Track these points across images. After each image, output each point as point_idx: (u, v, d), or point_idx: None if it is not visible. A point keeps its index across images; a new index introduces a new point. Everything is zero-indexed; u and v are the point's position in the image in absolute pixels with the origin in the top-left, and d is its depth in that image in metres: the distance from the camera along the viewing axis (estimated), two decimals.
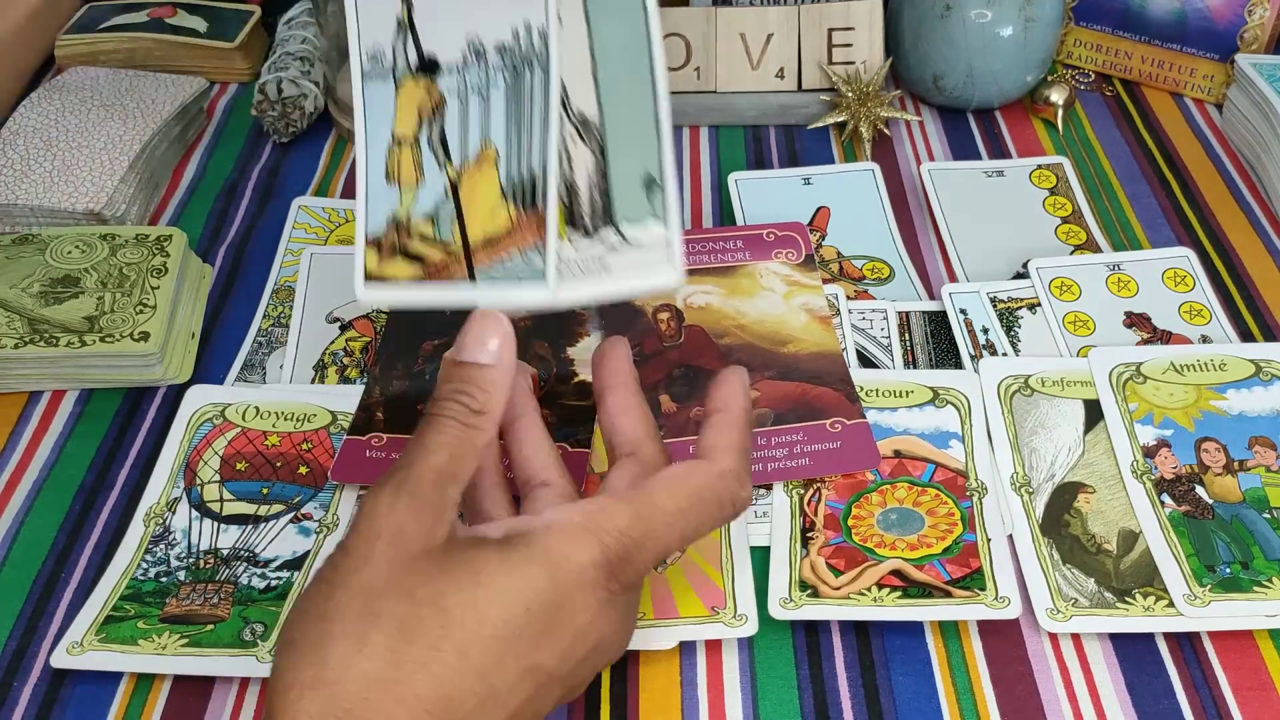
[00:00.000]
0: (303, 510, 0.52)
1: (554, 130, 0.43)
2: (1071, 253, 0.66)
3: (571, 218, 0.44)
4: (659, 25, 0.43)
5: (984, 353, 0.59)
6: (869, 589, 0.48)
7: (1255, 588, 0.48)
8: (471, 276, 0.43)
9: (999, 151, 0.75)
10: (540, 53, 0.43)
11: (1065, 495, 0.52)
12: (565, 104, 0.44)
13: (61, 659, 0.46)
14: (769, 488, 0.53)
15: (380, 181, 0.45)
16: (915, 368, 0.59)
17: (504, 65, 0.44)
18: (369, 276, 0.45)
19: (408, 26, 0.45)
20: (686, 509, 0.39)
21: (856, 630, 0.48)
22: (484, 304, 0.43)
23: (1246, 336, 0.61)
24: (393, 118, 0.45)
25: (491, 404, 0.40)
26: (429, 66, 0.45)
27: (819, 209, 0.69)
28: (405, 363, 0.58)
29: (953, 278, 0.65)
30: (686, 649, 0.47)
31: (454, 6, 0.44)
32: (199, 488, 0.53)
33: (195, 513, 0.52)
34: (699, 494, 0.40)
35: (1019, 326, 0.60)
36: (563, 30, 0.44)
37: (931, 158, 0.75)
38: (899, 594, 0.48)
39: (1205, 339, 0.59)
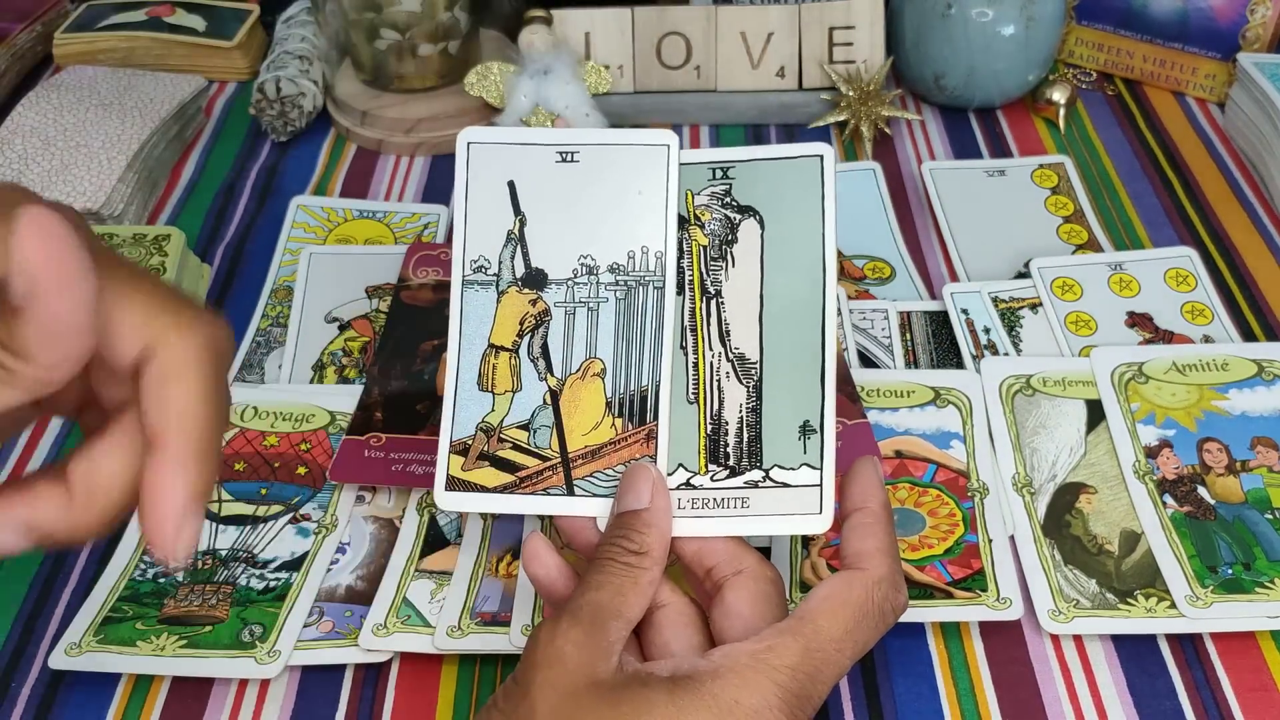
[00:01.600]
0: (301, 511, 0.52)
1: (668, 349, 0.44)
2: (1073, 252, 0.65)
3: (715, 453, 0.43)
4: (835, 286, 0.44)
5: (985, 353, 0.59)
6: None
7: (1257, 589, 0.48)
8: (570, 488, 0.44)
9: (1000, 151, 0.75)
10: (657, 275, 0.45)
11: (1067, 496, 0.52)
12: (725, 340, 0.44)
13: (59, 660, 0.46)
14: None
15: (471, 388, 0.45)
16: (916, 368, 0.59)
17: (616, 283, 0.45)
18: (451, 481, 0.44)
19: (519, 240, 0.45)
20: (852, 628, 0.38)
21: None
22: (581, 514, 0.43)
23: (1249, 336, 0.61)
24: (491, 326, 0.45)
25: (649, 544, 0.40)
26: (537, 280, 0.45)
27: None
28: (404, 363, 0.58)
29: (954, 277, 0.65)
30: None
31: (570, 226, 0.45)
32: None
33: None
34: (862, 610, 0.38)
35: (1020, 326, 0.60)
36: (731, 269, 0.45)
37: (933, 157, 0.74)
38: None
39: (1207, 339, 0.59)
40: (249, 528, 0.51)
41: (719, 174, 0.45)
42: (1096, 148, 0.75)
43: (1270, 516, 0.50)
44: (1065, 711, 0.45)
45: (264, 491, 0.53)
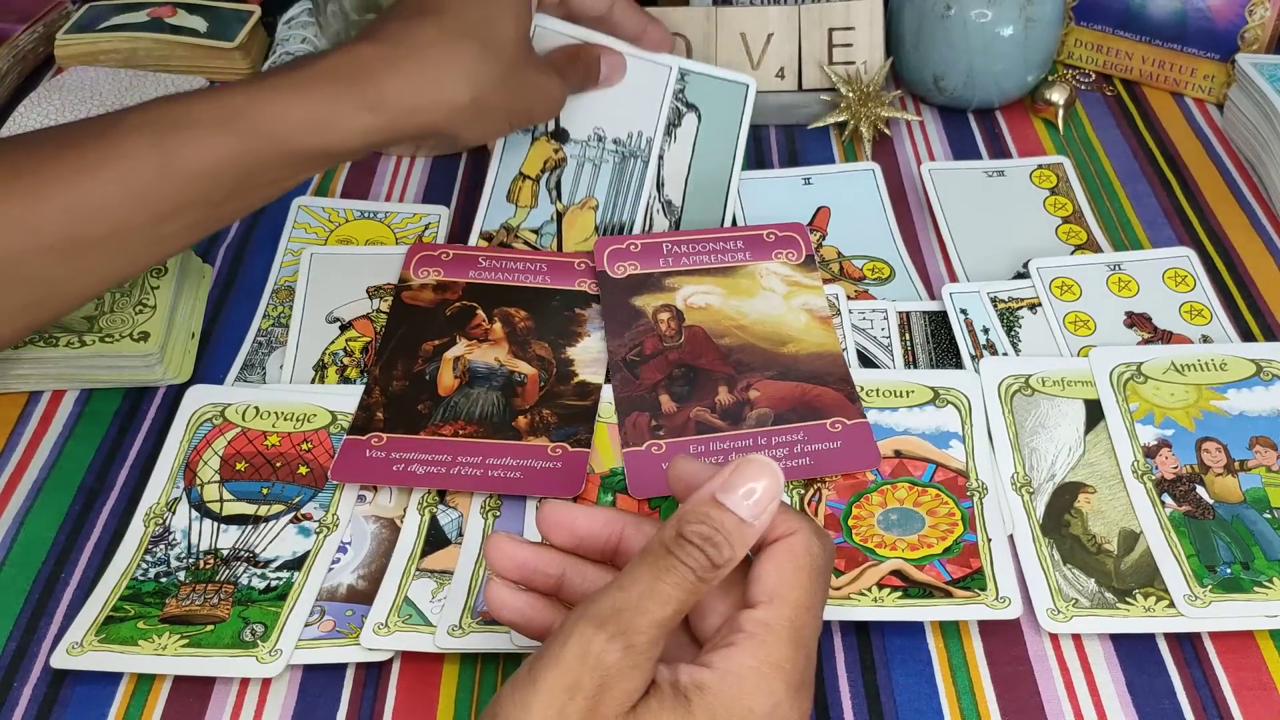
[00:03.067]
0: (303, 510, 0.52)
1: (644, 202, 0.64)
2: (1072, 253, 0.65)
3: None
4: (739, 173, 0.66)
5: (984, 352, 0.59)
6: (869, 589, 0.48)
7: (1256, 588, 0.48)
8: None
9: (999, 151, 0.75)
10: (644, 153, 0.65)
11: (1066, 495, 0.52)
12: (659, 188, 0.65)
13: (61, 659, 0.46)
14: None
15: (501, 199, 0.65)
16: (915, 367, 0.59)
17: (615, 151, 0.65)
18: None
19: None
20: (812, 588, 0.37)
21: (857, 630, 0.48)
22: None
23: (1247, 336, 0.61)
24: (523, 161, 0.65)
25: (735, 560, 0.37)
26: (561, 135, 0.65)
27: (819, 209, 0.69)
28: (405, 362, 0.58)
29: (953, 277, 0.65)
30: None
31: (590, 103, 0.65)
32: (199, 488, 0.53)
33: (195, 513, 0.52)
34: (813, 568, 0.37)
35: (1019, 326, 0.60)
36: (673, 144, 0.65)
37: (932, 157, 0.75)
38: (899, 594, 0.48)
39: (1206, 339, 0.59)
40: (250, 527, 0.52)
41: (680, 76, 0.65)
42: (1095, 148, 0.76)
43: (1269, 516, 0.51)
44: (1064, 710, 0.45)
45: (265, 491, 0.53)
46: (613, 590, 0.35)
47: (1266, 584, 0.48)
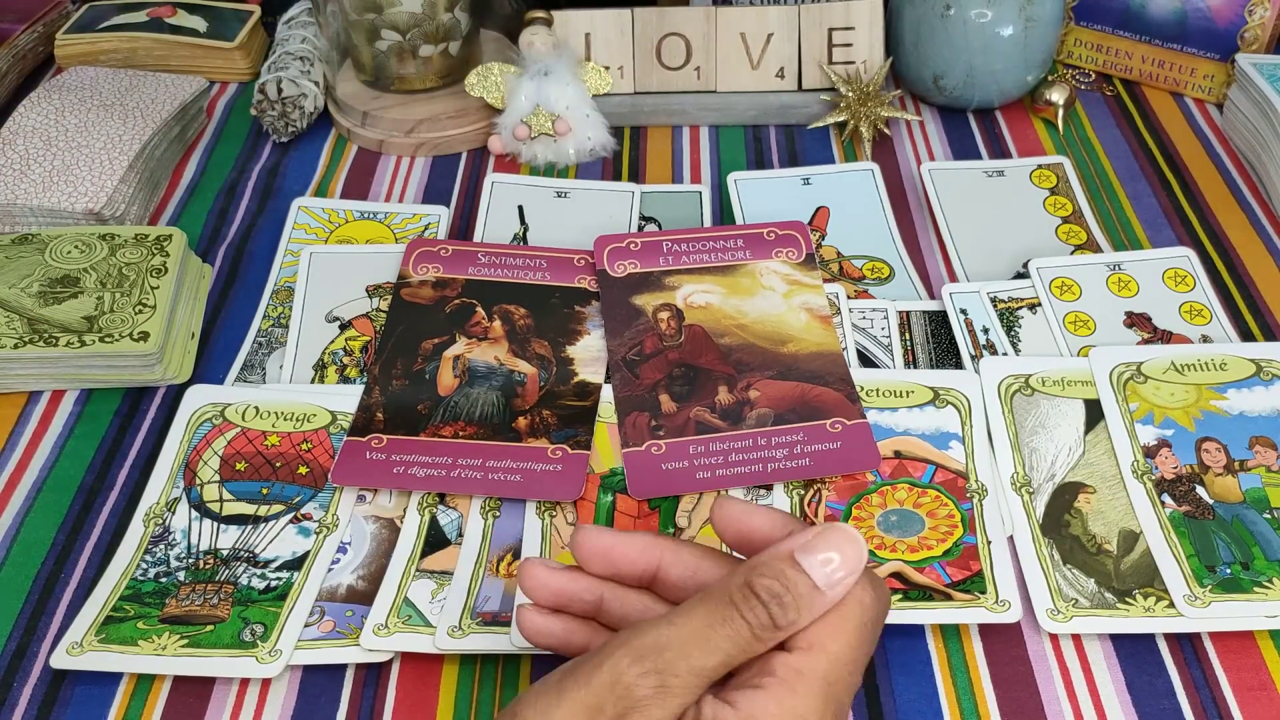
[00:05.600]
0: (302, 510, 0.52)
1: None
2: (1072, 252, 0.65)
3: None
4: None
5: (984, 352, 0.59)
6: None
7: (1256, 588, 0.48)
8: None
9: (999, 151, 0.75)
10: None
11: (1065, 495, 0.52)
12: None
13: (61, 659, 0.46)
14: (769, 488, 0.53)
15: None
16: (915, 367, 0.59)
17: None
18: None
19: (522, 239, 0.67)
20: (855, 641, 0.36)
21: None
22: None
23: (1247, 336, 0.61)
24: None
25: (798, 625, 0.35)
26: None
27: (818, 209, 0.69)
28: (405, 361, 0.58)
29: (953, 277, 0.65)
30: None
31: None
32: (199, 488, 0.53)
33: (195, 513, 0.52)
34: (860, 623, 0.36)
35: (1019, 326, 0.60)
36: None
37: (932, 157, 0.75)
38: (899, 596, 0.48)
39: (1206, 339, 0.59)
40: (250, 527, 0.52)
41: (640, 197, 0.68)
42: (1095, 148, 0.76)
43: (1268, 516, 0.51)
44: (1064, 711, 0.45)
45: (265, 491, 0.53)
46: (661, 624, 0.35)
47: (1266, 584, 0.48)
